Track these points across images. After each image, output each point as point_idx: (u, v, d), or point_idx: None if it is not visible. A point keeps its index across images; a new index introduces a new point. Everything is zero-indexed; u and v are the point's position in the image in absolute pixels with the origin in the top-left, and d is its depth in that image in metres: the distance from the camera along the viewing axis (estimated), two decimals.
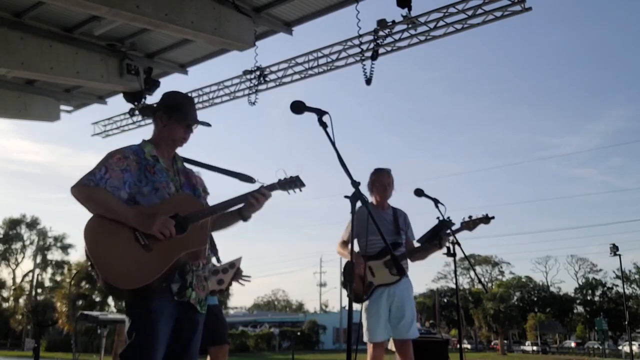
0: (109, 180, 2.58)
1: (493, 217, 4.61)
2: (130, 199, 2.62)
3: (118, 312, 17.69)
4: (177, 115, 2.79)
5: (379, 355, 4.52)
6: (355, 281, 4.55)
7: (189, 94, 9.81)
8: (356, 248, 4.66)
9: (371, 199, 4.84)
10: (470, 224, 4.58)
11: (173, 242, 2.55)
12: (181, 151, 2.94)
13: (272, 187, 2.86)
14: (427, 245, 4.61)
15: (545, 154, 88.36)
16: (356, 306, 4.47)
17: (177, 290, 2.59)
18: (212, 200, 2.92)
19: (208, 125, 2.88)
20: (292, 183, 2.87)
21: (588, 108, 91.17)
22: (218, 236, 4.46)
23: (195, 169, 3.06)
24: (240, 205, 2.81)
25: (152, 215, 2.54)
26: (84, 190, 2.55)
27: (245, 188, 2.89)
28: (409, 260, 4.72)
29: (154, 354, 2.48)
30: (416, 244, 4.74)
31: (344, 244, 4.64)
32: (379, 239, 4.48)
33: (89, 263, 2.51)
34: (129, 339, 2.51)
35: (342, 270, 4.70)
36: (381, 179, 4.77)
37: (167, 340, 2.56)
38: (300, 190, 2.91)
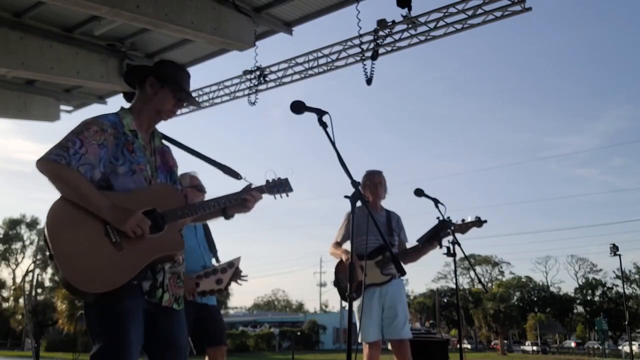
0: (84, 156, 2.26)
1: (485, 221, 4.66)
2: (104, 179, 2.32)
3: None
4: (171, 84, 2.51)
5: (375, 354, 4.53)
6: (345, 280, 4.59)
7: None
8: (348, 247, 4.68)
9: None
10: (462, 227, 4.62)
11: (147, 242, 2.28)
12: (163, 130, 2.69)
13: (260, 189, 2.68)
14: (426, 244, 4.63)
15: (545, 154, 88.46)
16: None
17: (148, 289, 2.34)
18: None
19: (197, 105, 2.75)
20: (280, 187, 2.71)
21: (589, 108, 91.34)
22: (218, 236, 4.46)
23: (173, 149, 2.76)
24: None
25: (127, 210, 2.25)
26: (53, 166, 2.23)
27: (227, 181, 2.74)
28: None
29: (129, 357, 2.22)
30: (413, 245, 4.78)
31: (337, 244, 4.67)
32: (372, 239, 4.52)
33: (48, 253, 2.21)
34: (98, 342, 2.24)
35: (335, 270, 4.72)
36: (372, 179, 4.80)
37: (146, 342, 2.33)
38: (287, 196, 2.75)
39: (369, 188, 4.80)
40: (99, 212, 2.23)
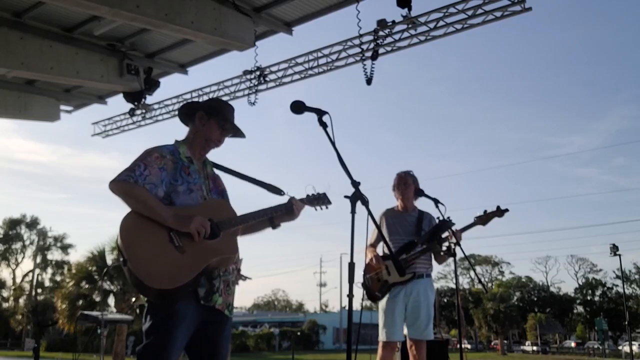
0: (148, 177, 2.60)
1: (507, 210, 4.64)
2: (166, 197, 2.64)
3: (118, 313, 17.68)
4: (217, 116, 2.83)
5: (389, 355, 4.54)
6: (371, 280, 4.61)
7: (189, 94, 9.87)
8: (379, 249, 4.78)
9: (397, 202, 4.92)
10: (483, 218, 4.62)
11: (205, 247, 2.58)
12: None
13: (302, 201, 2.98)
14: (426, 243, 4.63)
15: (548, 154, 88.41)
16: (356, 306, 4.49)
17: (204, 294, 2.61)
18: (235, 205, 2.95)
19: (243, 136, 2.94)
20: (320, 200, 3.02)
21: (591, 108, 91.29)
22: None
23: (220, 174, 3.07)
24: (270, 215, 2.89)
25: (190, 215, 2.57)
26: (124, 185, 2.57)
27: (271, 198, 2.97)
28: (434, 262, 4.76)
29: (168, 357, 2.49)
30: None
31: (370, 246, 4.72)
32: (397, 239, 4.57)
33: (121, 259, 2.52)
34: (147, 338, 2.53)
35: (363, 271, 4.72)
36: (401, 181, 4.83)
37: (192, 345, 2.60)
38: (327, 207, 3.05)
39: (398, 189, 4.82)
40: (165, 222, 2.55)
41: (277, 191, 3.05)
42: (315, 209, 3.04)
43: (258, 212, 2.86)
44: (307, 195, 3.01)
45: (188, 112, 2.93)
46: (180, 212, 2.60)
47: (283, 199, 2.98)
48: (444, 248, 4.59)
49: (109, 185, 2.58)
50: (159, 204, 2.58)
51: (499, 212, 4.64)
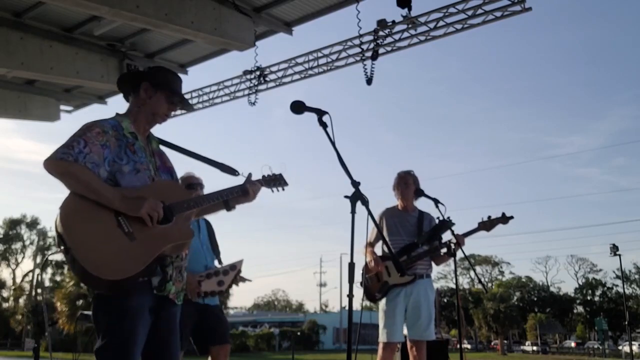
0: (89, 155, 2.32)
1: (512, 217, 4.61)
2: (110, 177, 2.38)
3: None
4: (166, 88, 2.62)
5: (389, 356, 4.53)
6: (370, 280, 4.60)
7: (189, 94, 9.86)
8: (378, 249, 4.76)
9: (397, 202, 4.90)
10: (487, 225, 4.59)
11: (157, 232, 2.36)
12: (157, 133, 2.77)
13: (258, 182, 2.83)
14: (426, 244, 4.63)
15: (548, 154, 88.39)
16: (356, 306, 4.49)
17: (158, 283, 2.41)
18: None
19: (191, 108, 2.83)
20: (276, 181, 2.88)
21: (592, 108, 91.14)
22: (218, 236, 4.46)
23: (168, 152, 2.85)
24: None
25: (140, 197, 2.34)
26: (61, 164, 2.28)
27: (225, 178, 2.83)
28: (433, 263, 4.76)
29: (132, 356, 2.29)
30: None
31: (369, 245, 4.70)
32: (398, 240, 4.55)
33: (62, 247, 2.26)
34: (103, 337, 2.30)
35: (362, 271, 4.71)
36: (399, 180, 4.82)
37: (145, 338, 2.38)
38: (283, 189, 2.92)
39: (398, 189, 4.82)
40: (111, 204, 2.30)
41: (231, 171, 2.87)
42: (272, 191, 2.90)
43: (212, 194, 2.67)
44: (263, 176, 2.87)
45: (131, 81, 2.68)
46: (128, 194, 2.35)
47: (238, 180, 2.82)
48: (444, 249, 4.58)
49: (43, 163, 2.29)
50: (103, 184, 2.32)
51: (504, 219, 4.61)
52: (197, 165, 2.93)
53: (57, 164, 2.28)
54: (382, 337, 4.50)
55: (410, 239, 4.66)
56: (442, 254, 4.65)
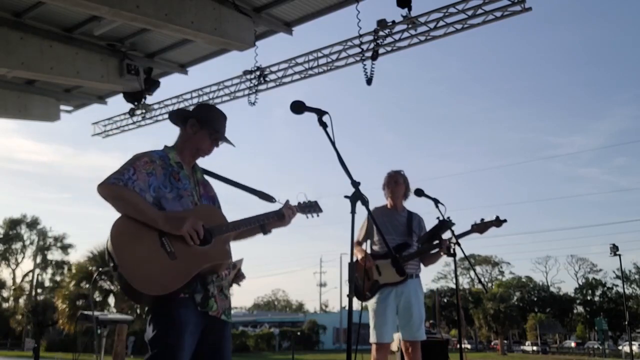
0: (136, 182, 2.55)
1: (505, 220, 4.60)
2: (155, 203, 2.59)
3: (118, 313, 17.67)
4: (209, 126, 2.80)
5: (383, 357, 4.51)
6: (360, 279, 4.57)
7: (189, 94, 9.87)
8: (368, 248, 4.72)
9: (386, 201, 4.88)
10: (481, 227, 4.58)
11: (197, 252, 2.53)
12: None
13: (294, 208, 3.00)
14: (428, 245, 4.62)
15: (548, 154, 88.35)
16: (356, 306, 4.48)
17: (200, 300, 2.56)
18: (226, 211, 2.93)
19: (232, 145, 2.92)
20: (312, 208, 3.07)
21: (592, 107, 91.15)
22: None
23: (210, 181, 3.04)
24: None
25: (182, 217, 2.53)
26: (113, 188, 2.51)
27: (262, 205, 2.99)
28: (421, 264, 4.75)
29: None
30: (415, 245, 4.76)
31: (358, 244, 4.68)
32: (389, 239, 4.54)
33: (111, 264, 2.44)
34: (152, 348, 2.46)
35: (348, 268, 4.70)
36: (389, 179, 4.81)
37: (193, 351, 2.52)
38: (318, 216, 3.10)
39: (387, 189, 4.81)
40: (156, 224, 2.49)
41: (268, 198, 3.04)
42: (307, 217, 3.07)
43: (250, 219, 2.85)
44: (299, 203, 3.04)
45: (179, 117, 2.90)
46: (172, 216, 2.54)
47: (274, 206, 2.99)
48: (435, 250, 4.57)
49: (97, 188, 2.52)
50: (150, 206, 2.53)
51: (497, 222, 4.61)
52: (238, 193, 3.10)
53: (110, 188, 2.51)
54: (373, 338, 4.48)
55: (401, 238, 4.65)
56: (432, 253, 4.64)
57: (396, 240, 4.62)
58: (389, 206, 4.85)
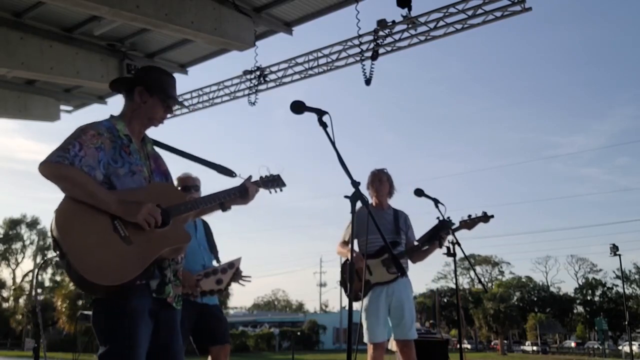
0: (84, 158, 2.28)
1: (492, 216, 4.60)
2: (105, 180, 2.35)
3: None
4: (161, 92, 2.56)
5: (379, 356, 4.51)
6: (354, 280, 4.56)
7: (189, 94, 9.88)
8: (356, 247, 4.68)
9: (371, 200, 4.87)
10: (469, 223, 4.59)
11: (154, 236, 2.31)
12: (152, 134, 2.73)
13: (256, 183, 2.79)
14: (426, 244, 4.62)
15: (549, 154, 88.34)
16: (356, 306, 4.47)
17: (156, 286, 2.36)
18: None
19: (185, 106, 2.79)
20: (274, 182, 2.84)
21: (593, 107, 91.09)
22: (218, 236, 4.46)
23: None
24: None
25: (137, 202, 2.30)
26: (57, 167, 2.24)
27: (221, 179, 2.79)
28: (409, 261, 4.74)
29: (137, 359, 2.25)
30: (413, 245, 4.75)
31: (344, 243, 4.67)
32: (377, 238, 4.50)
33: (57, 252, 2.22)
34: (105, 344, 2.25)
35: (341, 269, 4.71)
36: (373, 177, 4.80)
37: (148, 341, 2.33)
38: (281, 190, 2.88)
39: (372, 187, 4.81)
40: (108, 208, 2.26)
41: (228, 173, 2.82)
42: (270, 192, 2.85)
43: (210, 196, 2.63)
44: (261, 177, 2.82)
45: (124, 85, 2.63)
46: (125, 197, 2.31)
47: (235, 181, 2.77)
48: (445, 249, 4.57)
49: (38, 167, 2.25)
50: (100, 188, 2.29)
51: (485, 217, 4.60)
52: (193, 166, 2.91)
53: (53, 167, 2.25)
54: (367, 338, 4.48)
55: (389, 236, 4.64)
56: (422, 250, 4.64)
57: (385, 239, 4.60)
58: (374, 204, 4.84)
